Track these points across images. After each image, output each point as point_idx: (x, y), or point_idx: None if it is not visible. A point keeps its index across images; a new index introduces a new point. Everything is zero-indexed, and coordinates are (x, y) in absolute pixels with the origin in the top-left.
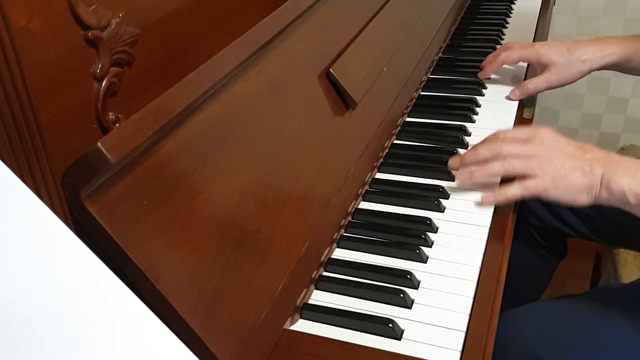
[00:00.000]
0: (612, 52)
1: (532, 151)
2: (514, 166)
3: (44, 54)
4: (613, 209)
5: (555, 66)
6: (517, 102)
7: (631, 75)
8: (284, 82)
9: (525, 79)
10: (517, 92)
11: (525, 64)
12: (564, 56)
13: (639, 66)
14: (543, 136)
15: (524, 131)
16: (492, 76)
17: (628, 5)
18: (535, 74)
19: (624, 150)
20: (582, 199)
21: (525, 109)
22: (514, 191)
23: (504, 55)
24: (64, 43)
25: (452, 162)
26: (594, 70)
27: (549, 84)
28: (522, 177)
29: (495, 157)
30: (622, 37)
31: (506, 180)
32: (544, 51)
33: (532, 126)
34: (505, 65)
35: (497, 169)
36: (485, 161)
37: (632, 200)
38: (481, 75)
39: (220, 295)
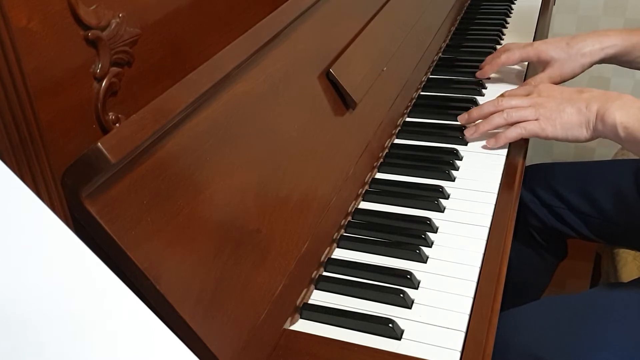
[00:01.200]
0: (611, 44)
1: (530, 101)
2: (512, 115)
3: (44, 54)
4: (612, 208)
5: (557, 62)
6: None
7: (631, 76)
8: (284, 82)
9: (525, 78)
10: (516, 89)
11: (525, 63)
12: (564, 51)
13: (638, 59)
14: (540, 89)
15: (523, 88)
16: (492, 76)
17: (628, 5)
18: (535, 72)
19: (624, 150)
20: (582, 133)
21: None
22: (513, 133)
23: (504, 57)
24: (64, 43)
25: (461, 117)
26: (594, 63)
27: (552, 79)
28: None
29: (497, 111)
30: (621, 30)
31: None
32: (544, 48)
33: (532, 82)
34: (500, 82)
35: (498, 120)
36: (488, 115)
37: (621, 133)
38: (479, 75)
39: (220, 295)
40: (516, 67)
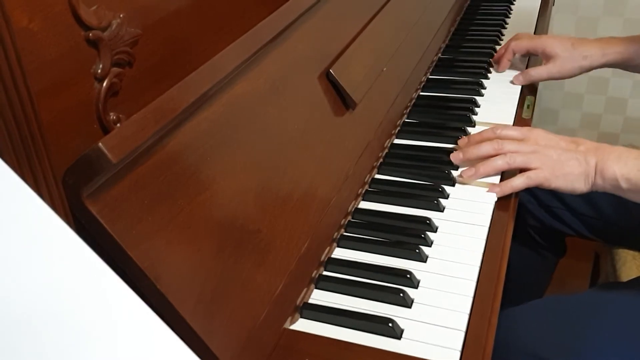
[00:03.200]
0: (613, 51)
1: (530, 148)
2: (515, 160)
3: (45, 54)
4: (611, 209)
5: (559, 59)
6: (516, 103)
7: (630, 76)
8: (284, 82)
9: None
10: (521, 78)
11: (524, 64)
12: (568, 50)
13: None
14: (537, 135)
15: (518, 131)
16: (492, 76)
17: (628, 5)
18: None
19: None
20: (580, 186)
21: (525, 109)
22: (518, 182)
23: (513, 45)
24: (65, 43)
25: (454, 157)
26: (594, 67)
27: (551, 74)
28: (523, 170)
29: (497, 154)
30: (624, 38)
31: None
32: (550, 43)
33: (525, 127)
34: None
35: (501, 163)
36: (486, 157)
37: (624, 185)
38: (499, 69)
39: (220, 295)
40: (516, 68)
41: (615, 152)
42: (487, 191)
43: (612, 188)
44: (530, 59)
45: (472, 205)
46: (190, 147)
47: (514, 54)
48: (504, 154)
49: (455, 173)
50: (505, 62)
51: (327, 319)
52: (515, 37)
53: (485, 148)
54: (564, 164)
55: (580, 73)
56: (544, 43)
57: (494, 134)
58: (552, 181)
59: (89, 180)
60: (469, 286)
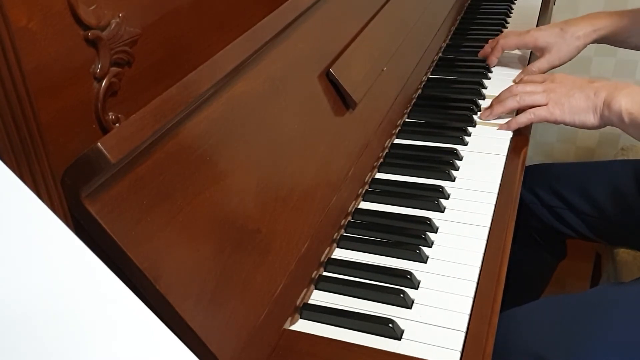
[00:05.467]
0: (602, 26)
1: (543, 87)
2: (525, 99)
3: (44, 54)
4: (612, 209)
5: (553, 47)
6: None
7: (631, 76)
8: (284, 82)
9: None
10: (523, 75)
11: (527, 58)
12: (558, 36)
13: (629, 39)
14: (555, 76)
15: (541, 75)
16: (492, 76)
17: (628, 5)
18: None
19: (624, 151)
20: (588, 118)
21: None
22: (523, 118)
23: (502, 43)
24: (64, 43)
25: (484, 114)
26: (587, 44)
27: (551, 64)
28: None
29: (511, 95)
30: (612, 12)
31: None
32: (539, 35)
33: (549, 72)
34: (505, 66)
35: (511, 102)
36: (504, 100)
37: (626, 118)
38: (489, 63)
39: (220, 295)
40: (516, 68)
41: (628, 88)
42: (498, 129)
43: (617, 121)
44: (532, 55)
45: (472, 206)
46: (190, 146)
47: (503, 51)
48: (516, 95)
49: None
50: (493, 59)
51: (327, 319)
52: (504, 35)
53: (503, 93)
54: (570, 98)
55: (578, 53)
56: (533, 37)
57: (519, 81)
58: (558, 115)
59: (88, 181)
60: (470, 287)
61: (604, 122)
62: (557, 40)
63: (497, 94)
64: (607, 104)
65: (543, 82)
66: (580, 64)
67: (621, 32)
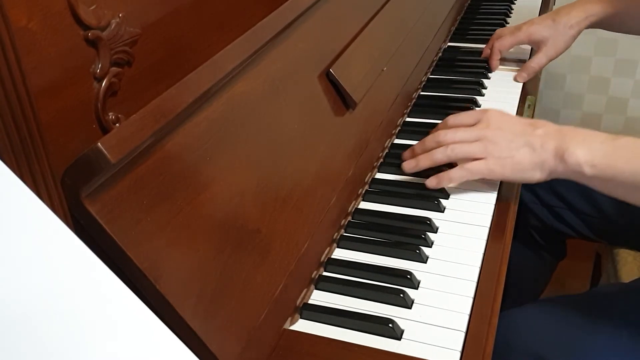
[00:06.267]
0: (595, 12)
1: (477, 134)
2: (455, 152)
3: (44, 53)
4: (612, 208)
5: (549, 39)
6: (516, 102)
7: (631, 76)
8: (284, 82)
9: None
10: (524, 74)
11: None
12: (552, 28)
13: (623, 24)
14: (489, 118)
15: (471, 115)
16: (492, 76)
17: None
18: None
19: None
20: (535, 175)
21: (525, 109)
22: (456, 174)
23: (497, 45)
24: (64, 43)
25: (405, 153)
26: (582, 31)
27: (549, 57)
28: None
29: (439, 146)
30: None
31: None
32: (533, 30)
33: (480, 109)
34: (505, 66)
35: (439, 156)
36: (430, 149)
37: (588, 171)
38: (493, 69)
39: (220, 296)
40: (516, 68)
41: (579, 136)
42: (426, 181)
43: (575, 175)
44: (532, 51)
45: (472, 206)
46: (190, 147)
47: (500, 53)
48: (446, 144)
49: (403, 164)
50: (495, 63)
51: (327, 319)
52: (498, 35)
53: (429, 139)
54: (512, 152)
55: (574, 41)
56: (527, 32)
57: (445, 124)
58: (498, 172)
59: (88, 181)
60: (470, 287)
61: (552, 177)
62: (551, 32)
63: (496, 94)
64: (559, 158)
65: (474, 123)
66: (580, 64)
67: (614, 17)
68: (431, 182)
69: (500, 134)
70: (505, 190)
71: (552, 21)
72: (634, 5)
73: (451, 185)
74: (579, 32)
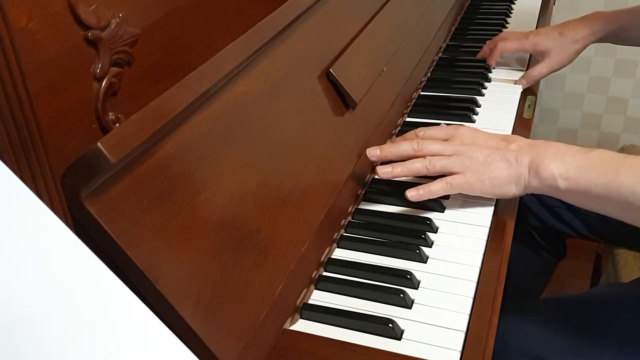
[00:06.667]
0: (600, 28)
1: (453, 149)
2: (435, 164)
3: (44, 54)
4: None
5: (552, 51)
6: (517, 102)
7: (632, 76)
8: (284, 82)
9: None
10: (524, 80)
11: (523, 64)
12: (557, 40)
13: (630, 38)
14: (462, 134)
15: (443, 130)
16: (492, 76)
17: (628, 5)
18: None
19: (624, 150)
20: (510, 190)
21: (525, 109)
22: (437, 188)
23: (501, 46)
24: (64, 43)
25: (370, 151)
26: (587, 46)
27: (551, 68)
28: (445, 174)
29: (415, 156)
30: (610, 12)
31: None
32: (538, 40)
33: (451, 126)
34: (505, 66)
35: (419, 166)
36: (404, 156)
37: (562, 184)
38: (489, 65)
39: (220, 296)
40: (517, 68)
41: (552, 149)
42: (406, 192)
43: (549, 189)
44: (531, 58)
45: (472, 206)
46: (190, 147)
47: (502, 54)
48: (424, 156)
49: (377, 167)
50: (492, 62)
51: (327, 319)
52: (503, 37)
53: (404, 147)
54: (490, 166)
55: (577, 55)
56: (533, 42)
57: (415, 135)
58: (477, 187)
59: (88, 181)
60: (470, 287)
61: (529, 191)
62: (556, 44)
63: (496, 94)
64: (534, 172)
65: (447, 138)
66: (580, 64)
67: (620, 31)
68: (411, 194)
69: (476, 148)
70: None
71: (559, 34)
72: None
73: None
74: (584, 47)
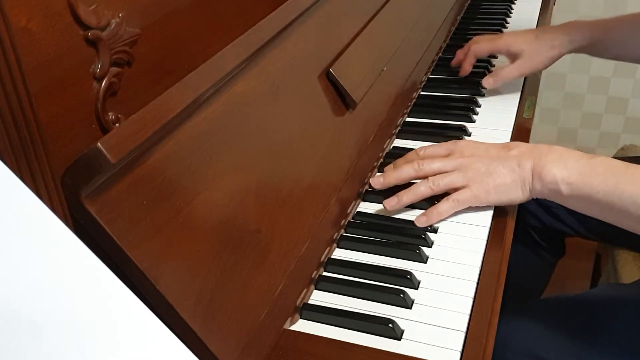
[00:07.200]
0: (580, 36)
1: (454, 164)
2: (439, 184)
3: (44, 54)
4: None
5: (526, 54)
6: (517, 102)
7: (632, 76)
8: (284, 82)
9: (523, 87)
10: (491, 80)
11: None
12: (532, 43)
13: (609, 50)
14: (462, 147)
15: (442, 147)
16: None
17: (628, 5)
18: (536, 77)
19: (624, 150)
20: (517, 195)
21: (525, 109)
22: (445, 208)
23: (473, 48)
24: (64, 43)
25: (375, 181)
26: (563, 54)
27: (522, 71)
28: (451, 191)
29: (417, 177)
30: (591, 21)
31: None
32: (512, 41)
33: (450, 141)
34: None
35: (424, 190)
36: (407, 180)
37: (564, 189)
38: (462, 73)
39: (220, 296)
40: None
41: (555, 153)
42: (415, 220)
43: (551, 193)
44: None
45: (473, 206)
46: (190, 147)
47: (475, 57)
48: (426, 178)
49: (384, 202)
50: (467, 67)
51: (327, 319)
52: (475, 41)
53: (406, 170)
54: (493, 175)
55: (551, 63)
56: (506, 42)
57: (416, 154)
58: (483, 198)
59: (88, 181)
60: (470, 287)
61: (534, 196)
62: (530, 47)
63: (496, 94)
64: (537, 176)
65: (448, 154)
66: (580, 64)
67: (599, 42)
68: (421, 221)
69: (476, 159)
70: None
71: (535, 37)
72: (620, 33)
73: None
74: (559, 56)
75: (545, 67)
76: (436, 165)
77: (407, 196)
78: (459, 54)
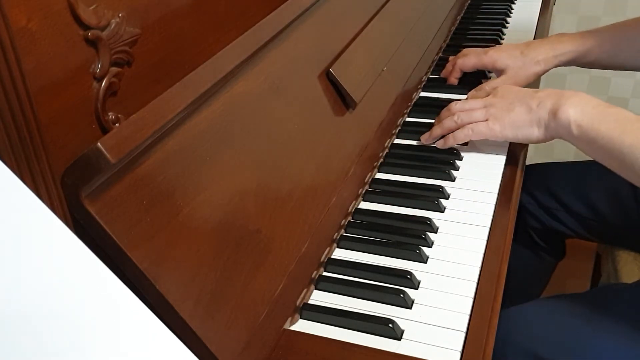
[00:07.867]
0: (565, 51)
1: (483, 102)
2: (462, 118)
3: (44, 53)
4: (609, 210)
5: (511, 70)
6: None
7: (632, 76)
8: (284, 82)
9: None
10: (474, 92)
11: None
12: (518, 59)
13: (596, 61)
14: (498, 90)
15: (485, 90)
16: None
17: (628, 5)
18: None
19: None
20: (534, 132)
21: None
22: (460, 134)
23: (460, 63)
24: (64, 43)
25: (424, 137)
26: (549, 69)
27: None
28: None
29: (458, 127)
30: (576, 34)
31: None
32: (498, 56)
33: (491, 83)
34: None
35: (449, 123)
36: (450, 130)
37: (575, 131)
38: (449, 83)
39: (220, 296)
40: None
41: (576, 97)
42: (435, 143)
43: (564, 133)
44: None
45: (472, 206)
46: (190, 147)
47: (461, 72)
48: (454, 114)
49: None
50: (453, 80)
51: (327, 319)
52: (462, 54)
53: (448, 122)
54: (511, 112)
55: (536, 78)
56: (492, 58)
57: (456, 106)
58: (498, 131)
59: (88, 181)
60: (470, 287)
61: (550, 135)
62: (516, 63)
63: None
64: (552, 114)
65: (486, 96)
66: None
67: (587, 54)
68: (439, 143)
69: (502, 99)
70: (505, 190)
71: (520, 53)
72: (608, 43)
73: (456, 144)
74: (544, 71)
75: (530, 82)
76: (467, 105)
77: (435, 129)
78: (448, 65)
